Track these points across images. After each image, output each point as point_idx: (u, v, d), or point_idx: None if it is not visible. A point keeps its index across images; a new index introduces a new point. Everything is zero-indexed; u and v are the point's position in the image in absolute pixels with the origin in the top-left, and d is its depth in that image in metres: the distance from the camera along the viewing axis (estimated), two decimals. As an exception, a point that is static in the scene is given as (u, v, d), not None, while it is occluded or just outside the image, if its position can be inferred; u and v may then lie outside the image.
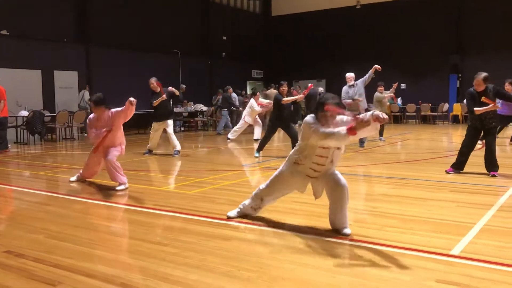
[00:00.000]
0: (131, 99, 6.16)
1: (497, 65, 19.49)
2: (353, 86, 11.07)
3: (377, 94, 12.76)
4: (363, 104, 11.02)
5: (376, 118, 3.55)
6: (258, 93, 14.18)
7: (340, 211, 4.09)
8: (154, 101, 9.96)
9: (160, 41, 19.31)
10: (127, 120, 6.45)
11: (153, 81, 10.17)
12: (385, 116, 3.56)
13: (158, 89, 10.05)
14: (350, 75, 11.28)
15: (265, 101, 13.35)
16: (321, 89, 18.75)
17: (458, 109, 20.06)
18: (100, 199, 5.84)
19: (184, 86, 18.27)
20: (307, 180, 4.25)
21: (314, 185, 4.25)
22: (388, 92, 13.47)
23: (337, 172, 4.20)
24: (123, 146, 6.65)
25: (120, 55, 17.83)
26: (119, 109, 6.35)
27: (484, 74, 6.90)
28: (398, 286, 2.97)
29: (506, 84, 11.21)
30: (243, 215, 4.67)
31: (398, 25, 21.83)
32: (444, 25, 20.92)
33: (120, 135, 6.56)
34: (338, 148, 4.06)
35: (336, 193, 4.07)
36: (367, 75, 11.07)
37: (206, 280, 3.10)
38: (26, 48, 15.15)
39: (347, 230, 4.07)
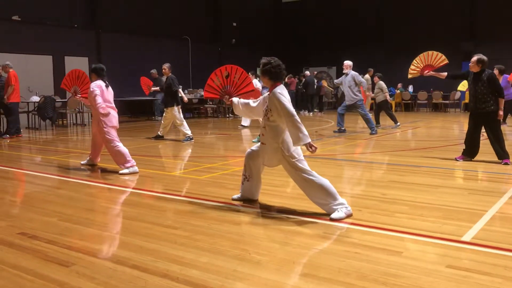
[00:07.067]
0: (102, 111, 6.40)
1: (511, 53, 19.24)
2: (346, 74, 11.41)
3: (380, 82, 13.01)
4: (348, 94, 11.34)
5: (309, 147, 4.10)
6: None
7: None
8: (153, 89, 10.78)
9: (170, 27, 19.26)
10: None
11: (165, 66, 10.31)
12: (314, 148, 4.11)
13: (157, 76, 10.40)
14: (346, 63, 11.61)
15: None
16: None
17: (470, 97, 19.82)
18: (112, 183, 5.88)
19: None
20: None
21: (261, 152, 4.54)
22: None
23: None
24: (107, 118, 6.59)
25: (130, 41, 17.83)
26: (89, 91, 6.59)
27: (478, 57, 6.92)
28: (408, 271, 2.96)
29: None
30: (246, 199, 4.76)
31: (409, 11, 21.56)
32: (457, 11, 20.63)
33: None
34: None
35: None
36: (362, 81, 11.23)
37: (217, 263, 3.12)
38: (37, 34, 15.20)
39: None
